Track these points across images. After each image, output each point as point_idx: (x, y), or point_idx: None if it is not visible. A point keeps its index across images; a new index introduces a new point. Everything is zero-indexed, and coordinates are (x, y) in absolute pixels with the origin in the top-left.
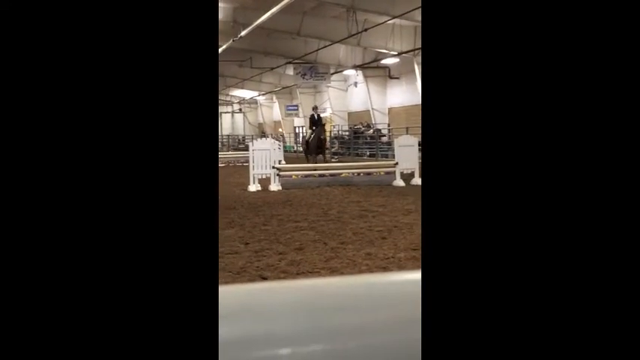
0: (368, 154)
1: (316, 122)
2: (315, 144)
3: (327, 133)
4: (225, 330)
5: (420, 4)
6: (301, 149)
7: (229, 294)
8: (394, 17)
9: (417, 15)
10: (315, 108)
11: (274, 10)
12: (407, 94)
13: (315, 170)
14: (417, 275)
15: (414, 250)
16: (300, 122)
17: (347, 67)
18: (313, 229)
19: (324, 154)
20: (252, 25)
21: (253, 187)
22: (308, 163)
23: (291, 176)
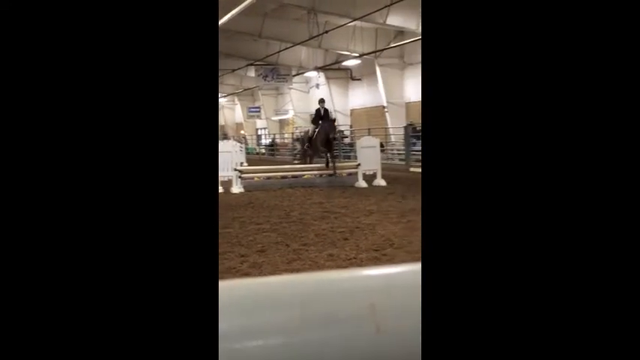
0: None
1: (322, 117)
2: (322, 138)
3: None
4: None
5: (380, 6)
6: (264, 152)
7: (223, 288)
8: (355, 19)
9: (378, 17)
10: (321, 101)
11: (235, 11)
12: (368, 95)
13: (277, 172)
14: (411, 267)
15: (376, 250)
16: (263, 124)
17: (308, 69)
18: (275, 231)
19: (332, 152)
20: None
21: (236, 189)
22: (305, 159)
23: (253, 178)
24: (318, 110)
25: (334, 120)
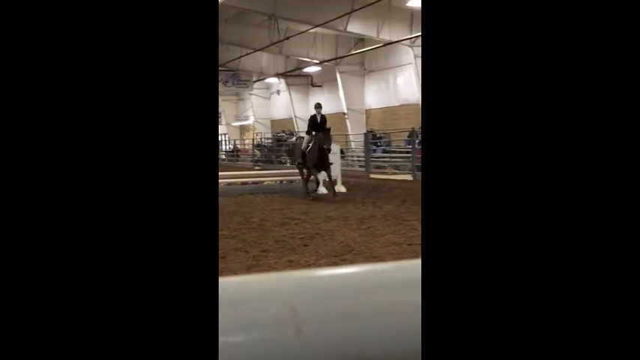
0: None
1: (318, 126)
2: (315, 155)
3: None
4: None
5: (341, 14)
6: (224, 157)
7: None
8: (316, 26)
9: (339, 24)
10: (318, 106)
11: None
12: (329, 102)
13: (237, 178)
14: (411, 263)
15: (335, 256)
16: (223, 130)
17: (269, 75)
18: (235, 238)
19: (328, 169)
20: None
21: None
22: (302, 177)
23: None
24: (313, 117)
25: (329, 129)
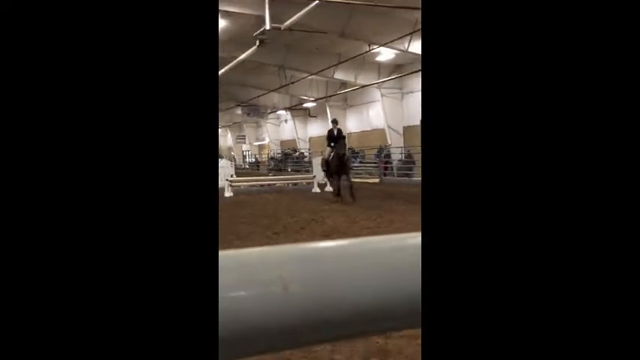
0: (290, 169)
1: (335, 138)
2: (336, 163)
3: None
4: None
5: (329, 65)
6: (248, 167)
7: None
8: (312, 74)
9: (328, 72)
10: (334, 122)
11: (226, 68)
12: (322, 127)
13: (256, 181)
14: (386, 237)
15: (325, 235)
16: (247, 148)
17: (279, 109)
18: (254, 224)
19: (348, 174)
20: None
21: (228, 194)
22: (332, 185)
23: (240, 186)
24: (330, 131)
25: (344, 137)
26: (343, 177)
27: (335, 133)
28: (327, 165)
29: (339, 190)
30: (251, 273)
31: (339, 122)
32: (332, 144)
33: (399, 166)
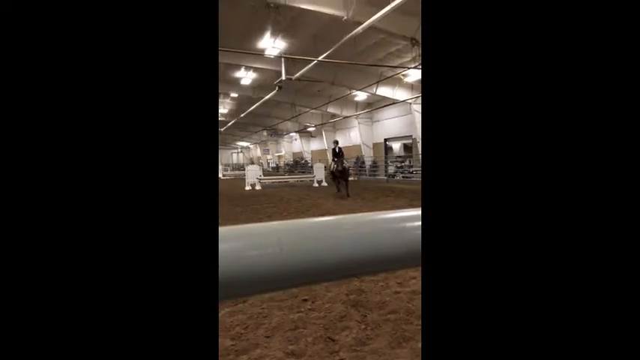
0: (298, 172)
1: (337, 154)
2: (340, 172)
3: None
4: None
5: (324, 102)
6: (271, 170)
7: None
8: (313, 108)
9: (323, 108)
10: (335, 142)
11: (256, 105)
12: (319, 144)
13: (276, 179)
14: (371, 213)
15: (322, 214)
16: (270, 157)
17: (292, 131)
18: (275, 207)
19: (347, 179)
20: (245, 112)
21: (248, 187)
22: (337, 188)
23: (266, 182)
24: (334, 149)
25: (343, 154)
26: (342, 182)
27: (337, 150)
28: (332, 174)
29: (339, 188)
30: (256, 238)
31: (338, 142)
32: (335, 159)
33: (370, 169)
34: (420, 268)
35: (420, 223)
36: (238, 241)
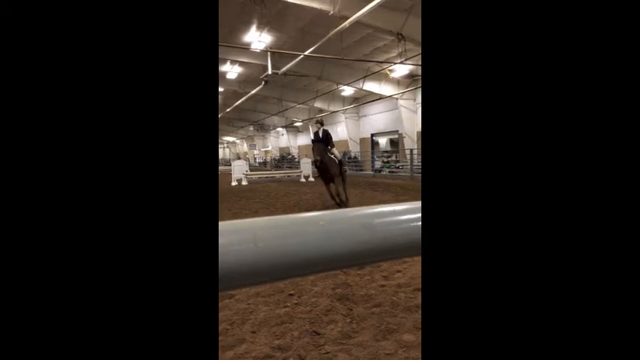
0: (285, 167)
1: (320, 139)
2: (322, 167)
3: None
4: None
5: (311, 97)
6: (257, 165)
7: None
8: (299, 103)
9: (310, 103)
10: (319, 123)
11: (242, 99)
12: (306, 139)
13: (263, 174)
14: (351, 209)
15: (308, 210)
16: (257, 152)
17: (278, 126)
18: (262, 202)
19: (336, 177)
20: (231, 107)
21: (234, 183)
22: (330, 195)
23: (252, 177)
24: (315, 133)
25: (329, 140)
26: (339, 181)
27: (320, 135)
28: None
29: (332, 195)
30: (233, 234)
31: (323, 123)
32: (316, 147)
33: (356, 163)
34: (402, 263)
35: (390, 218)
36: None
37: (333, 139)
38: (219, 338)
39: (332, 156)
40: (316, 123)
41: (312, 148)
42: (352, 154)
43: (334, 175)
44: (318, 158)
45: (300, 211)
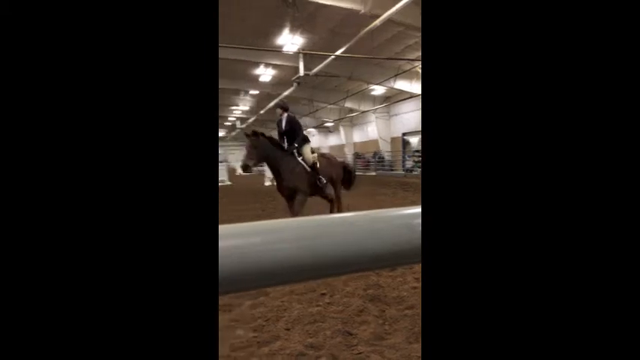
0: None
1: (285, 132)
2: (285, 185)
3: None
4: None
5: (341, 98)
6: None
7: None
8: (330, 103)
9: (342, 102)
10: (281, 107)
11: (274, 101)
12: (338, 140)
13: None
14: (355, 213)
15: (344, 210)
16: None
17: (310, 127)
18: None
19: (326, 195)
20: (265, 109)
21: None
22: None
23: None
24: (278, 122)
25: (298, 130)
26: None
27: (285, 126)
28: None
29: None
30: (269, 234)
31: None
32: (281, 143)
33: (386, 164)
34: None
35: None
36: (223, 240)
37: (364, 139)
38: (255, 334)
39: (299, 159)
40: (277, 108)
41: (247, 146)
42: (382, 154)
43: (297, 188)
44: (250, 164)
45: (333, 211)
